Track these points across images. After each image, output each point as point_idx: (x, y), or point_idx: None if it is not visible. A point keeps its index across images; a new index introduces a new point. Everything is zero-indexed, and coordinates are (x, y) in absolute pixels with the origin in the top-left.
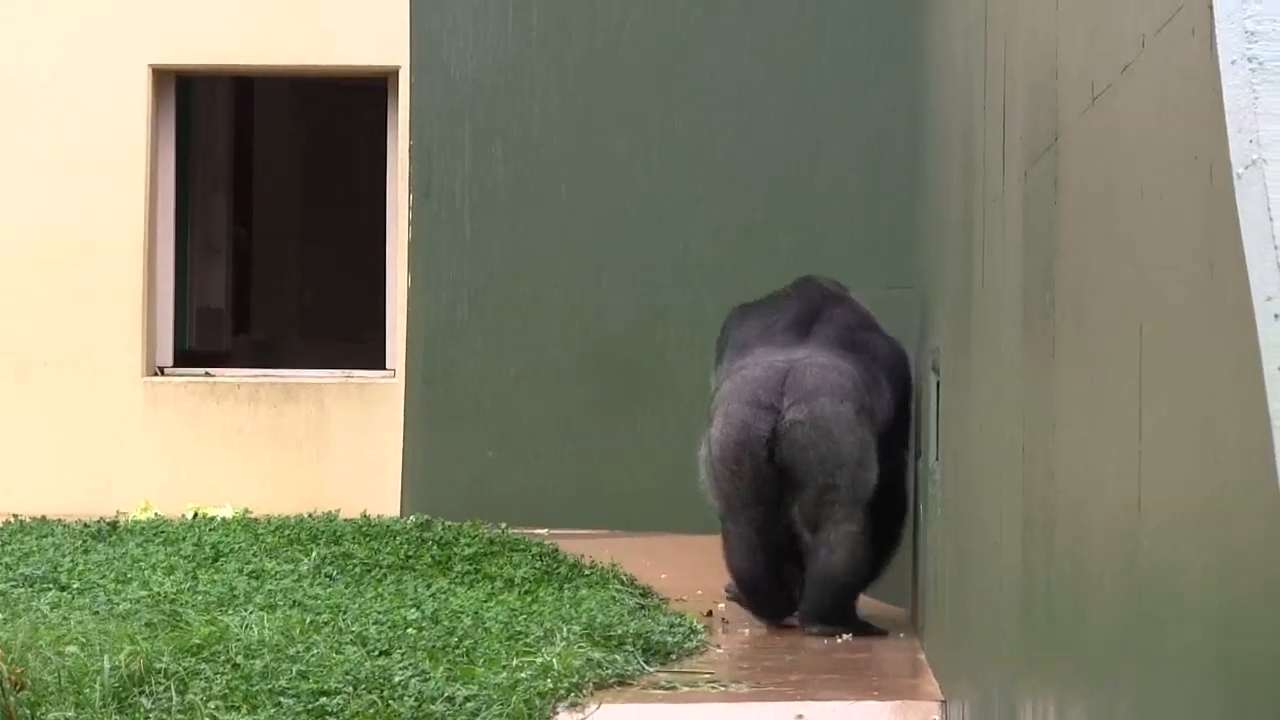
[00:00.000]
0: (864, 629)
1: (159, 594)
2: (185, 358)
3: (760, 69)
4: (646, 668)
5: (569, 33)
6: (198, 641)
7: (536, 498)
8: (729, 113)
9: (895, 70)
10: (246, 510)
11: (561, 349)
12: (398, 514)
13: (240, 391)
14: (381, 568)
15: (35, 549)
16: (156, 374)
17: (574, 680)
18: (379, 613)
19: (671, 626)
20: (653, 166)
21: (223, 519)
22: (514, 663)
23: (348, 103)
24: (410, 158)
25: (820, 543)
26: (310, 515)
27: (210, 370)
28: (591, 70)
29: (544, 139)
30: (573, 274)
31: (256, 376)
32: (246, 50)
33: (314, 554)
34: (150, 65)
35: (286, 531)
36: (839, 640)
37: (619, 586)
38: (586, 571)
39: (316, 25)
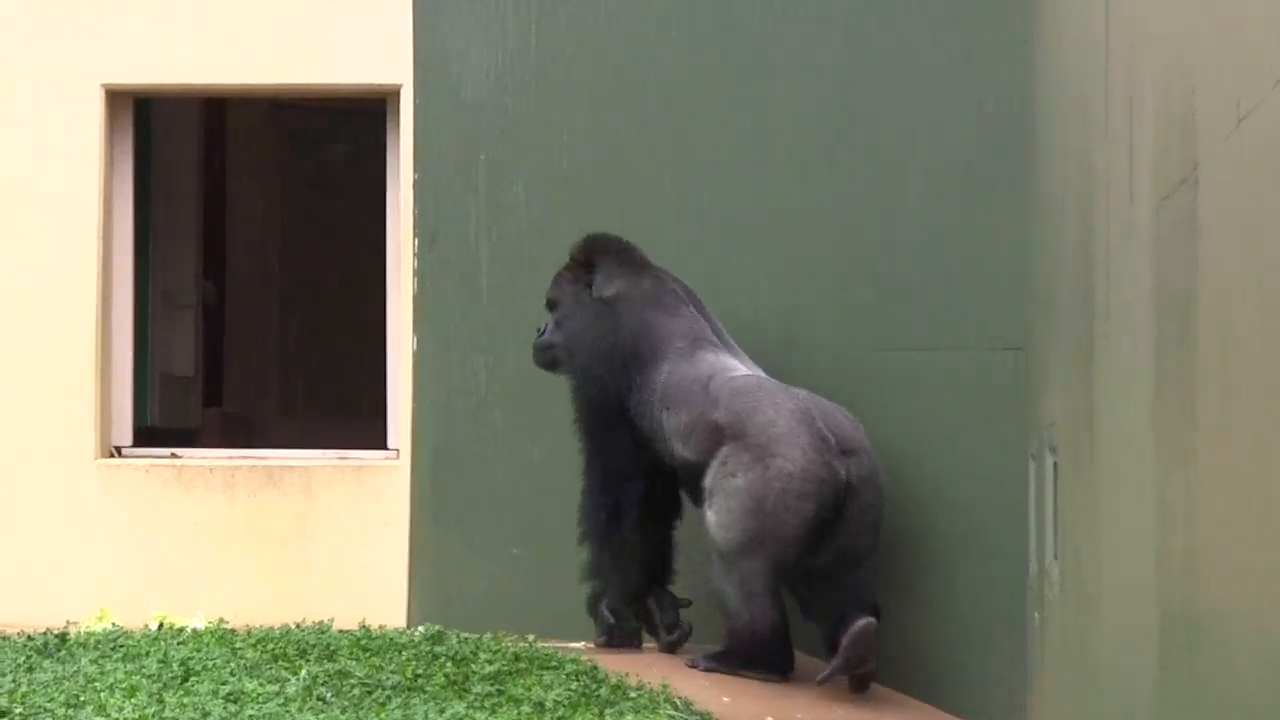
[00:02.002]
0: None
1: None
2: (146, 435)
3: (830, 91)
4: None
5: (602, 49)
6: None
7: (570, 604)
8: (793, 143)
9: (995, 90)
10: (221, 620)
11: None
12: (403, 624)
13: (213, 476)
14: (385, 689)
15: None
16: (112, 455)
17: None
18: None
19: None
20: (703, 209)
21: (193, 630)
22: None
23: (339, 130)
24: (414, 195)
25: (859, 594)
26: (298, 626)
27: (177, 451)
28: (630, 93)
29: (574, 173)
30: None
31: (232, 458)
32: (217, 67)
33: (303, 672)
34: (103, 85)
35: (270, 645)
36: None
37: (672, 712)
38: (632, 694)
39: (300, 37)
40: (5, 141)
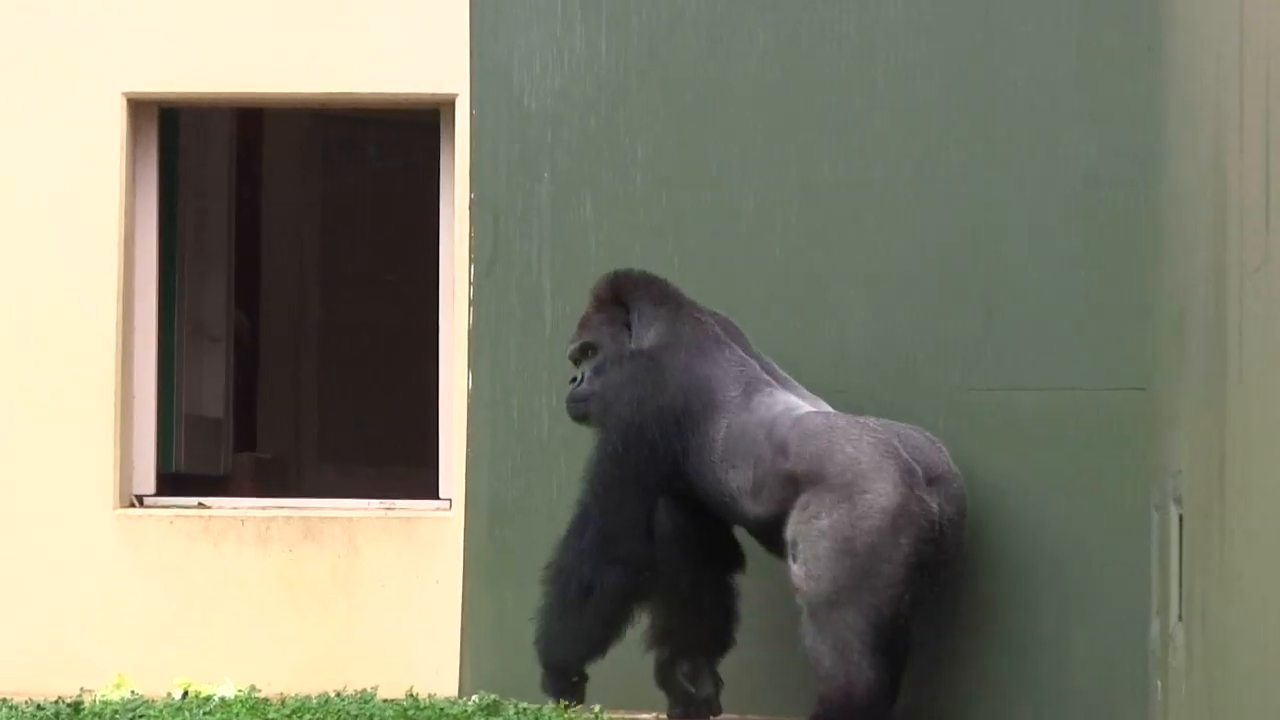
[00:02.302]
0: None
1: None
2: (171, 483)
3: (933, 101)
4: None
5: (679, 56)
6: None
7: (641, 671)
8: (891, 159)
9: (1117, 101)
10: (253, 688)
11: None
12: (455, 693)
13: (245, 528)
14: None
15: None
16: (133, 505)
17: None
18: None
19: None
20: (791, 231)
21: (221, 699)
22: None
23: (386, 144)
24: (470, 216)
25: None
26: (338, 695)
27: (205, 500)
28: (711, 104)
29: (648, 193)
30: None
31: (266, 508)
32: (251, 74)
33: None
34: (125, 94)
35: (307, 716)
36: None
37: None
38: None
39: (344, 42)
40: (16, 159)
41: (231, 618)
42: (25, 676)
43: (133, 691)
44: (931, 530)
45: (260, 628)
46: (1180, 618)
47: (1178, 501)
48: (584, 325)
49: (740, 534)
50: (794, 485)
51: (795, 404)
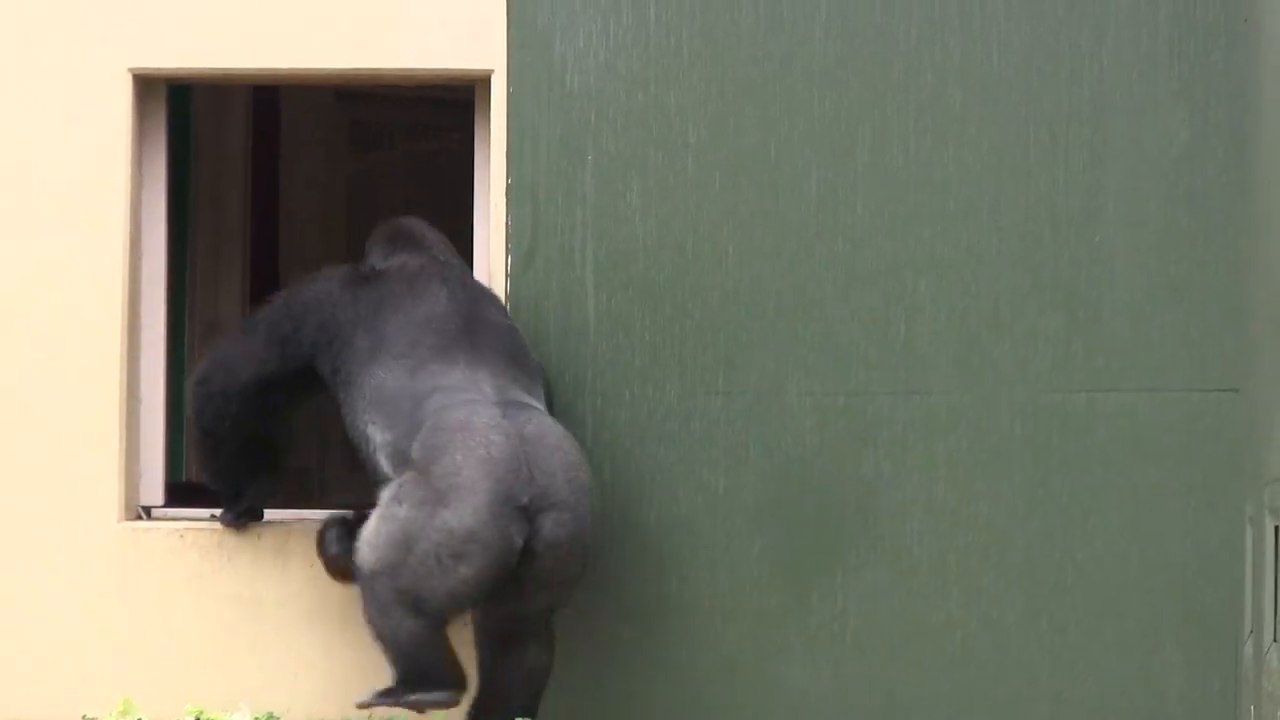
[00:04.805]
0: None
1: None
2: (181, 493)
3: (1010, 81)
4: None
5: (735, 27)
6: None
7: (695, 695)
8: (965, 142)
9: (1208, 79)
10: (271, 715)
11: (729, 481)
12: None
13: (262, 541)
14: None
15: None
16: (140, 517)
17: None
18: None
19: None
20: (857, 218)
21: None
22: None
23: (415, 124)
24: (507, 203)
25: (529, 641)
26: None
27: (217, 513)
28: (769, 82)
29: (701, 177)
30: (745, 373)
31: (286, 519)
32: (267, 49)
33: None
34: (131, 69)
35: None
36: None
37: None
38: None
39: (369, 13)
40: (13, 140)
41: (247, 638)
42: (23, 701)
43: (140, 718)
44: (505, 558)
45: (279, 649)
46: (1276, 639)
47: (1274, 512)
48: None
49: None
50: (408, 465)
51: (464, 387)
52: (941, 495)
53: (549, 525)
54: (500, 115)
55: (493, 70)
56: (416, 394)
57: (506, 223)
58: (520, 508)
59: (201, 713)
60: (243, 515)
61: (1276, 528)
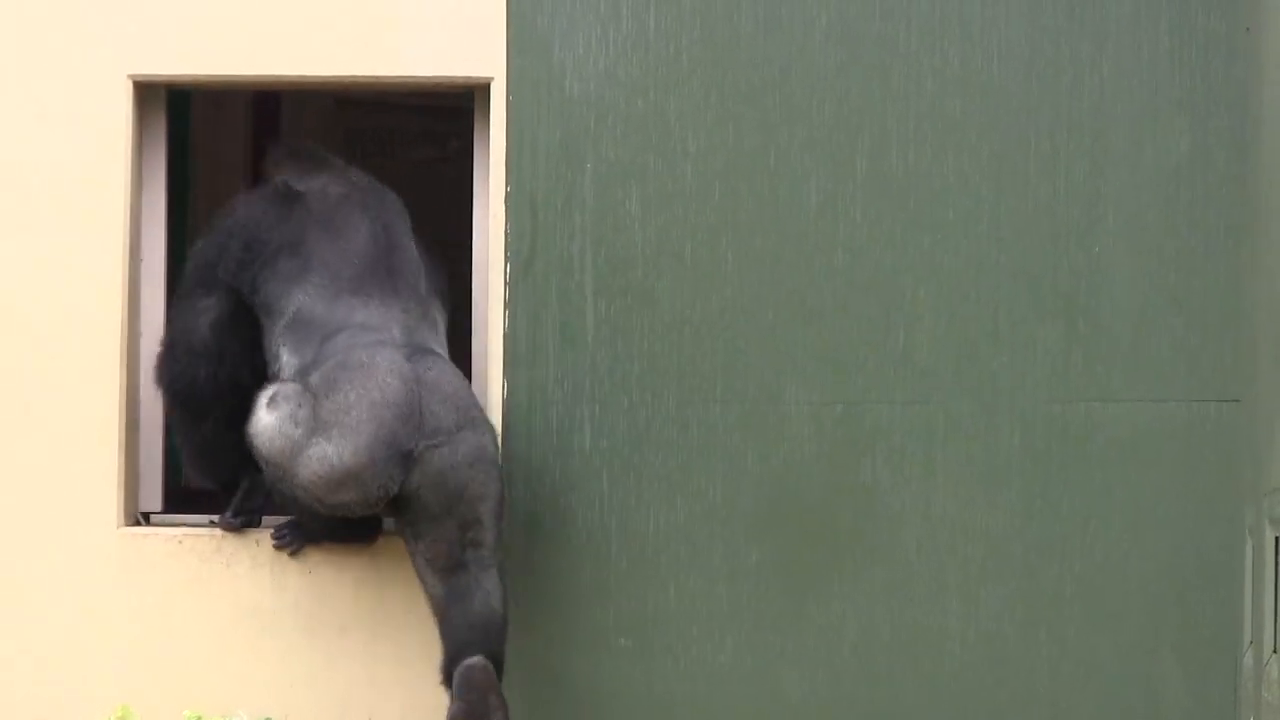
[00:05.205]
0: None
1: None
2: (180, 499)
3: (1012, 85)
4: None
5: (736, 35)
6: None
7: (690, 707)
8: (964, 151)
9: (1209, 84)
10: None
11: (727, 492)
12: None
13: (260, 549)
14: None
15: None
16: (138, 523)
17: None
18: None
19: None
20: (857, 227)
21: None
22: None
23: (414, 132)
24: (506, 210)
25: (473, 620)
26: None
27: (216, 518)
28: (770, 88)
29: (700, 185)
30: (744, 383)
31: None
32: (267, 55)
33: None
34: (130, 76)
35: None
36: None
37: None
38: None
39: (369, 20)
40: (11, 145)
41: (246, 645)
42: (22, 705)
43: None
44: (380, 493)
45: (277, 656)
46: (1276, 650)
47: (1274, 522)
48: None
49: None
50: (307, 389)
51: (374, 326)
52: (940, 504)
53: (435, 461)
54: (500, 122)
55: (492, 77)
56: (328, 327)
57: (505, 229)
58: (405, 453)
59: (200, 718)
60: (241, 515)
61: (1277, 538)
